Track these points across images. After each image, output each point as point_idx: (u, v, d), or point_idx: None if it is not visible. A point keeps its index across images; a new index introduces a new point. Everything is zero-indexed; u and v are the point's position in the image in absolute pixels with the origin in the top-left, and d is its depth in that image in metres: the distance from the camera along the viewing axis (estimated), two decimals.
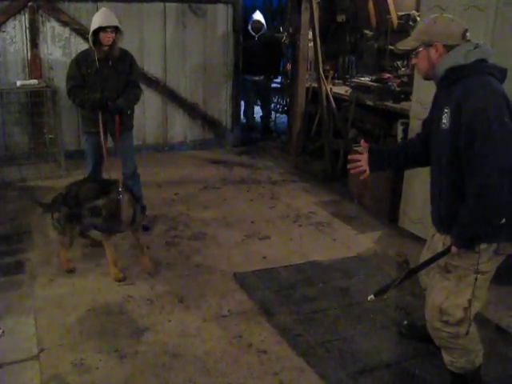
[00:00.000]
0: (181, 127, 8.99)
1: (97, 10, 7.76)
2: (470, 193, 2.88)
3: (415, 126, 5.55)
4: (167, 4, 8.39)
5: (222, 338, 3.99)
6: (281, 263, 5.13)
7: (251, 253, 5.39)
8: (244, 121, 10.30)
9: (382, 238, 5.80)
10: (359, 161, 3.49)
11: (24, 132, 7.91)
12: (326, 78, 7.84)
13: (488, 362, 3.54)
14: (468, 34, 3.01)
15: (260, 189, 7.26)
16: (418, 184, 5.57)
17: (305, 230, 5.94)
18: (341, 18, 8.89)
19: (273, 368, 3.69)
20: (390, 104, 6.71)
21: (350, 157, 3.73)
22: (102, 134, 5.41)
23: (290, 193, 7.15)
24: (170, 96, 8.75)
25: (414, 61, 3.19)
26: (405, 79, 7.07)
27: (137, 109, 5.80)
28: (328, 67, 8.32)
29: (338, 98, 7.76)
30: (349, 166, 3.59)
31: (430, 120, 3.24)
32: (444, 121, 2.97)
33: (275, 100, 11.00)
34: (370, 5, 8.27)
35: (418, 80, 5.49)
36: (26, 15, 7.64)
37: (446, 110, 2.96)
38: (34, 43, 7.75)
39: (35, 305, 4.36)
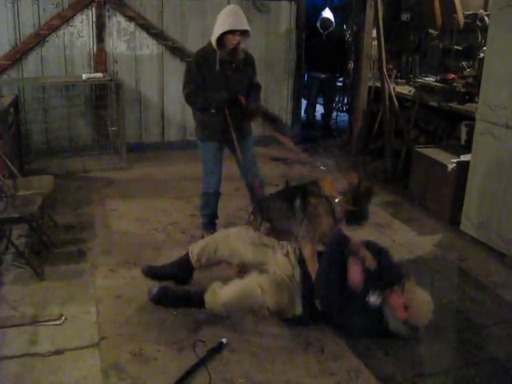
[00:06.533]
0: None
1: (162, 6, 7.95)
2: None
3: (481, 128, 5.43)
4: (231, 0, 8.43)
5: (280, 336, 3.98)
6: None
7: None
8: (304, 118, 10.28)
9: (442, 242, 5.69)
10: None
11: (88, 124, 8.09)
12: (389, 77, 7.74)
13: None
14: None
15: None
16: (482, 188, 5.44)
17: (364, 231, 5.86)
18: (405, 16, 8.81)
19: (330, 368, 3.66)
20: (454, 105, 6.59)
21: None
22: (235, 138, 5.16)
23: None
24: None
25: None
26: (470, 80, 6.92)
27: None
28: (391, 66, 8.24)
29: (400, 98, 7.65)
30: None
31: None
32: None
33: (337, 98, 10.90)
34: (436, 3, 8.15)
35: (485, 81, 5.36)
36: (93, 10, 7.78)
37: None
38: (100, 37, 7.89)
39: (96, 294, 4.44)
